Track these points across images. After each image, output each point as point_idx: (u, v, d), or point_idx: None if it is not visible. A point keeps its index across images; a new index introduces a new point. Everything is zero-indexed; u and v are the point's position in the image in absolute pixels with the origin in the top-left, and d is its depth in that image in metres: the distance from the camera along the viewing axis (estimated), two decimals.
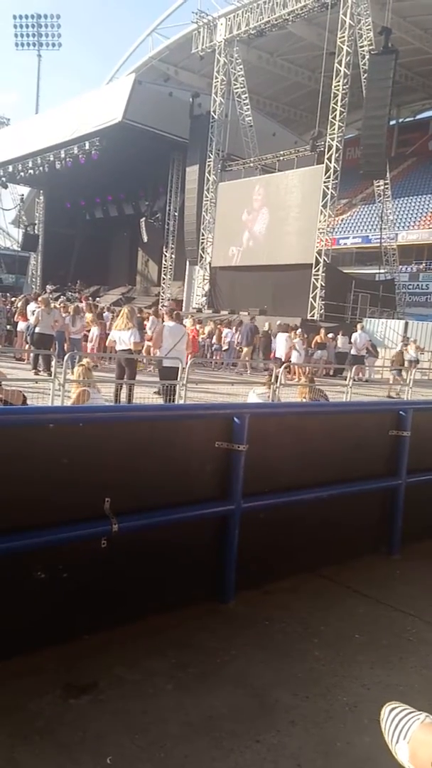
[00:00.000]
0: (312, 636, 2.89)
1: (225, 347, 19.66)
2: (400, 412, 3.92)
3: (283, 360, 15.52)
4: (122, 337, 9.51)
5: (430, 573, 3.74)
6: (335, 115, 23.87)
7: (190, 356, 13.29)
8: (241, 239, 29.57)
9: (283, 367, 11.84)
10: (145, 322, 15.81)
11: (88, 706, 2.28)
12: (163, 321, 12.29)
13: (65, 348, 12.97)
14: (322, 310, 24.34)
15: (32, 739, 2.08)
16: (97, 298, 34.42)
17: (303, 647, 2.78)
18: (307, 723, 2.27)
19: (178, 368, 9.23)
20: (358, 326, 19.57)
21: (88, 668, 2.48)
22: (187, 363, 9.77)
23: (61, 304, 15.62)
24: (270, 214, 28.11)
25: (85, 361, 7.44)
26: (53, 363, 8.85)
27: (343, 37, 23.61)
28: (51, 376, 8.76)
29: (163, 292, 37.14)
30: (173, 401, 8.70)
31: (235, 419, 3.12)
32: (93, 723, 2.18)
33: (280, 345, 17.07)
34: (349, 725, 2.27)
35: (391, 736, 1.30)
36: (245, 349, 18.54)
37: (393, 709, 1.36)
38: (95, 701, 2.31)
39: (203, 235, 31.22)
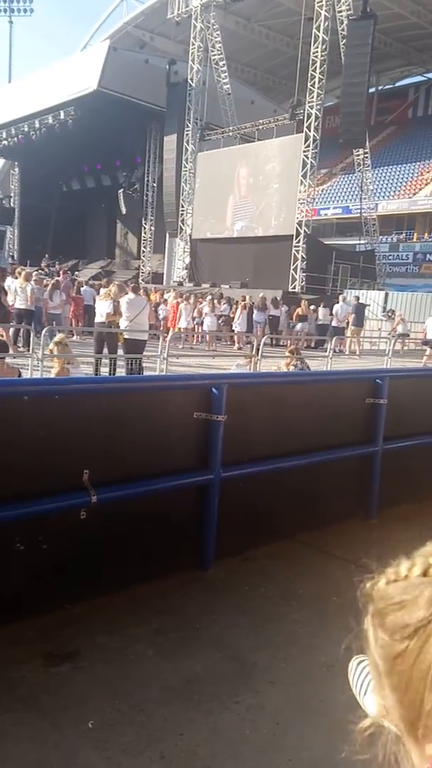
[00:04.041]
0: (291, 599, 2.94)
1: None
2: (377, 380, 3.95)
3: None
4: (101, 309, 9.45)
5: (406, 536, 3.81)
6: (314, 83, 23.52)
7: (171, 330, 13.25)
8: (222, 210, 29.27)
9: None
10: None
11: (70, 673, 2.31)
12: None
13: (43, 323, 12.81)
14: (303, 282, 24.28)
15: (14, 707, 2.11)
16: (76, 272, 33.99)
17: (282, 611, 2.84)
18: (285, 683, 2.33)
19: (141, 341, 9.16)
20: (340, 298, 19.56)
21: (70, 637, 2.51)
22: (168, 337, 9.73)
23: (38, 278, 15.36)
24: (250, 184, 27.83)
25: (59, 336, 7.38)
26: (32, 338, 8.79)
27: (321, 1, 23.15)
28: (30, 351, 8.70)
29: (143, 266, 36.74)
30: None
31: (213, 390, 3.13)
32: (75, 689, 2.22)
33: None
34: (325, 684, 2.32)
35: (358, 688, 1.33)
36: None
37: (361, 661, 1.39)
38: (77, 668, 2.34)
39: (183, 206, 30.83)
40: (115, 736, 2.00)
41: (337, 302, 19.03)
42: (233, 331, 17.93)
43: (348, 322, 18.39)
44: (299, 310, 19.05)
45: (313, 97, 23.74)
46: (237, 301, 18.65)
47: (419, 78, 42.90)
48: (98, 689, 2.22)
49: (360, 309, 18.36)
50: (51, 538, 2.65)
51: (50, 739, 1.98)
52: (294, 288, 24.15)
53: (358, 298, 19.45)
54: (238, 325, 17.56)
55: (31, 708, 2.11)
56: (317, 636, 2.64)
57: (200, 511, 3.17)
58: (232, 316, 19.64)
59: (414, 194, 34.41)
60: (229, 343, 17.68)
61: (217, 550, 3.19)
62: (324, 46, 23.25)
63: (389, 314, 21.06)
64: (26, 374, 7.59)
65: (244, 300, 18.97)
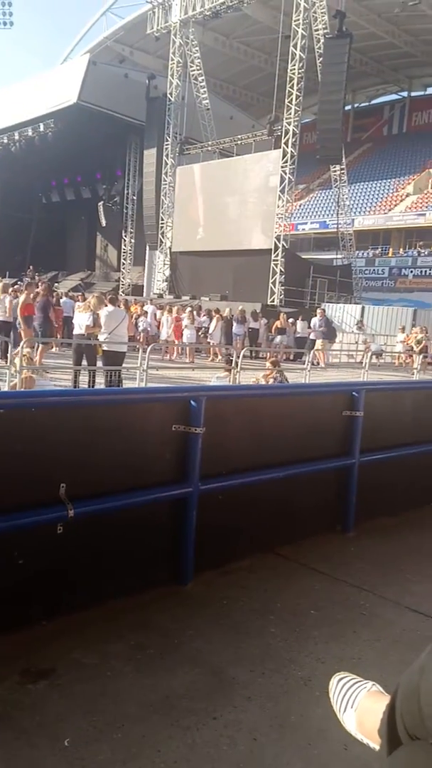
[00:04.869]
0: (269, 613, 2.94)
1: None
2: (353, 393, 3.99)
3: None
4: (80, 321, 9.43)
5: (383, 549, 3.84)
6: (291, 100, 23.88)
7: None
8: (201, 224, 29.43)
9: None
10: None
11: (46, 690, 2.28)
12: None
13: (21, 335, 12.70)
14: (282, 296, 24.49)
15: None
16: (56, 284, 33.85)
17: (260, 624, 2.83)
18: (263, 698, 2.32)
19: (120, 354, 9.14)
20: (317, 311, 19.76)
21: (46, 653, 2.48)
22: (148, 349, 9.72)
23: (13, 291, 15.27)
24: (229, 198, 28.03)
25: (25, 351, 7.39)
26: (10, 350, 8.73)
27: (298, 20, 23.56)
28: (7, 363, 8.64)
29: (123, 278, 36.74)
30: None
31: (192, 402, 3.13)
32: (51, 707, 2.19)
33: None
34: (303, 699, 2.33)
35: (339, 705, 1.34)
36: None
37: (341, 679, 1.40)
38: (53, 685, 2.30)
39: (162, 219, 30.95)
40: (92, 753, 1.98)
41: (315, 316, 19.22)
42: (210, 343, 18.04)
43: (322, 332, 18.63)
44: (278, 323, 19.20)
45: (290, 114, 24.10)
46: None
47: (394, 96, 43.82)
48: (75, 706, 2.19)
49: (329, 323, 18.75)
50: (27, 552, 2.62)
51: (26, 757, 1.95)
52: (273, 301, 24.35)
53: (324, 311, 19.70)
54: (214, 336, 17.69)
55: (7, 726, 2.07)
56: (294, 650, 2.65)
57: (179, 524, 3.16)
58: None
59: (389, 210, 34.99)
60: (208, 355, 17.71)
61: (196, 564, 3.18)
62: (301, 64, 23.65)
63: (359, 326, 21.47)
64: (3, 387, 7.53)
65: (218, 312, 19.09)
